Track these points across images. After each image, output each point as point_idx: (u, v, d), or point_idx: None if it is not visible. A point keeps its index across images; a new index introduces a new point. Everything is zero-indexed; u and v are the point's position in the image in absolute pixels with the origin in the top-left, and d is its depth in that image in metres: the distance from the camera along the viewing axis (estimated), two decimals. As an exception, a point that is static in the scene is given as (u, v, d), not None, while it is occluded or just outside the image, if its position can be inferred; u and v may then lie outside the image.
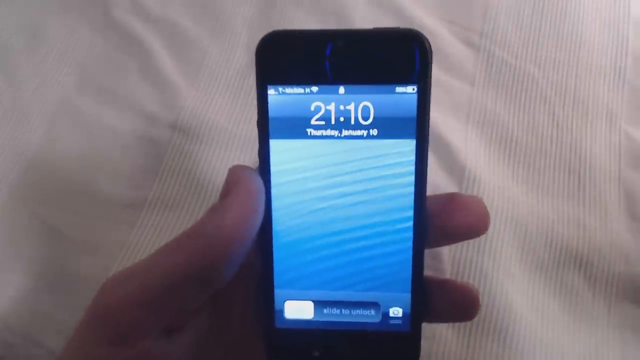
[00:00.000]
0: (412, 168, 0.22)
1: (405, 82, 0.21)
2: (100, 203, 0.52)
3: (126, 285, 0.19)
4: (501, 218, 0.49)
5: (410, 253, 0.22)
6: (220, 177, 0.53)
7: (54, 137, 0.56)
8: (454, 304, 0.23)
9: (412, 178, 0.22)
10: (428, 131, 0.22)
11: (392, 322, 0.22)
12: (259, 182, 0.20)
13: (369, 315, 0.22)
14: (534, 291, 0.47)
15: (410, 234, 0.22)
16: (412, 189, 0.22)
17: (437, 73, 0.57)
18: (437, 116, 0.54)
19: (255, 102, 0.22)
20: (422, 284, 0.22)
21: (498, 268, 0.47)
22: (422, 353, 0.41)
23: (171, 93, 0.57)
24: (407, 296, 0.22)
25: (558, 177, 0.52)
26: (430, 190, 0.36)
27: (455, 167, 0.51)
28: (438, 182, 0.51)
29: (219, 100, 0.57)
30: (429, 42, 0.21)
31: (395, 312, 0.22)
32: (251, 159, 0.54)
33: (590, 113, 0.55)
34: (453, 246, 0.48)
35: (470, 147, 0.53)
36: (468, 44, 0.59)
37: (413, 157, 0.22)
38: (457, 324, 0.45)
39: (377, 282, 0.22)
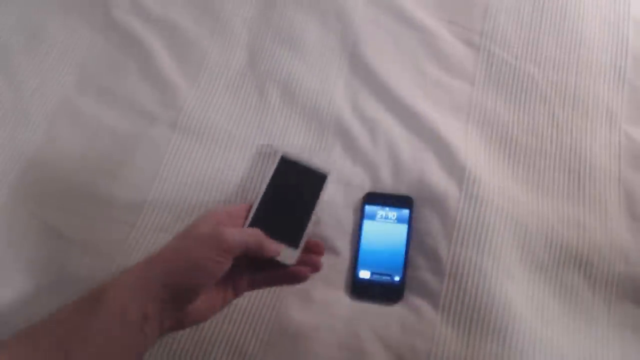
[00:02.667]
0: (406, 232, 0.51)
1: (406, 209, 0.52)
2: (100, 203, 0.52)
3: (236, 237, 0.39)
4: (501, 218, 0.49)
5: (403, 261, 0.50)
6: (220, 177, 0.53)
7: (54, 137, 0.56)
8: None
9: (405, 237, 0.51)
10: (412, 223, 0.51)
11: (395, 280, 0.49)
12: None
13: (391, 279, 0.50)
14: (534, 291, 0.47)
15: (403, 250, 0.50)
16: (405, 241, 0.51)
17: (438, 73, 0.57)
18: (437, 116, 0.54)
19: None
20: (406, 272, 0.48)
21: (498, 268, 0.47)
22: (422, 353, 0.41)
23: (171, 93, 0.57)
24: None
25: (558, 177, 0.52)
26: (430, 191, 0.52)
27: (455, 167, 0.51)
28: (438, 181, 0.51)
29: (219, 101, 0.57)
30: (413, 201, 0.52)
31: (397, 278, 0.49)
32: (250, 158, 0.54)
33: (590, 113, 0.55)
34: (452, 246, 0.48)
35: (470, 147, 0.53)
36: (468, 44, 0.59)
37: (406, 228, 0.51)
38: (457, 323, 0.46)
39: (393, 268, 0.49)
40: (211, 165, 0.54)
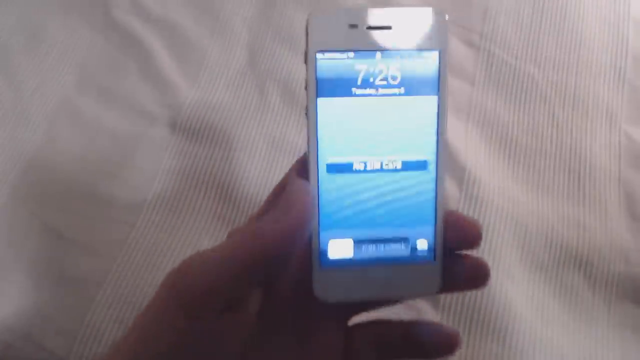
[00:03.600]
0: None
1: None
2: (100, 203, 0.52)
3: (203, 272, 0.23)
4: (501, 218, 0.49)
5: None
6: (219, 177, 0.53)
7: (54, 137, 0.56)
8: (469, 276, 0.26)
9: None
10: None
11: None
12: (311, 196, 0.24)
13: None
14: (534, 291, 0.47)
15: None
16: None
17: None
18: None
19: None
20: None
21: (498, 268, 0.47)
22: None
23: (171, 93, 0.57)
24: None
25: (558, 177, 0.52)
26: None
27: (455, 167, 0.51)
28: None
29: (219, 100, 0.57)
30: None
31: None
32: (250, 158, 0.54)
33: (590, 113, 0.55)
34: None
35: (470, 147, 0.53)
36: (468, 44, 0.59)
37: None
38: (457, 323, 0.45)
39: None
40: (211, 165, 0.54)
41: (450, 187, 0.51)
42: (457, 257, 0.26)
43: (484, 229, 0.48)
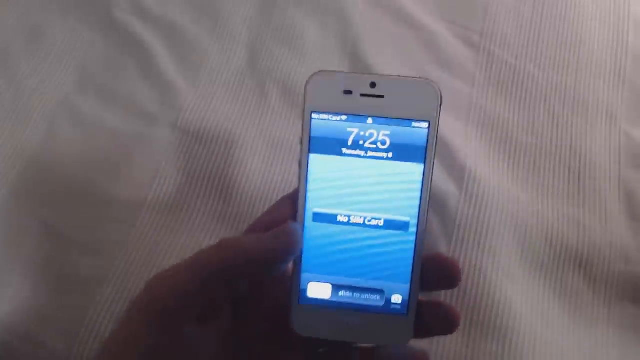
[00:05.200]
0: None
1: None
2: (100, 203, 0.52)
3: (170, 281, 0.24)
4: (501, 218, 0.49)
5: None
6: (219, 177, 0.53)
7: (54, 137, 0.56)
8: (439, 324, 0.27)
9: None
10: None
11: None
12: (300, 236, 0.26)
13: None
14: (534, 291, 0.47)
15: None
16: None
17: (438, 74, 0.57)
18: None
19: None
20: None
21: (498, 268, 0.47)
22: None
23: (171, 93, 0.57)
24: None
25: (558, 177, 0.52)
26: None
27: (455, 167, 0.51)
28: (438, 182, 0.51)
29: (219, 100, 0.57)
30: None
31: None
32: (250, 158, 0.54)
33: (590, 113, 0.55)
34: (452, 246, 0.48)
35: (470, 147, 0.53)
36: (468, 43, 0.59)
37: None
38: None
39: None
40: (211, 165, 0.54)
41: (450, 187, 0.51)
42: (430, 306, 0.27)
43: (483, 229, 0.48)
